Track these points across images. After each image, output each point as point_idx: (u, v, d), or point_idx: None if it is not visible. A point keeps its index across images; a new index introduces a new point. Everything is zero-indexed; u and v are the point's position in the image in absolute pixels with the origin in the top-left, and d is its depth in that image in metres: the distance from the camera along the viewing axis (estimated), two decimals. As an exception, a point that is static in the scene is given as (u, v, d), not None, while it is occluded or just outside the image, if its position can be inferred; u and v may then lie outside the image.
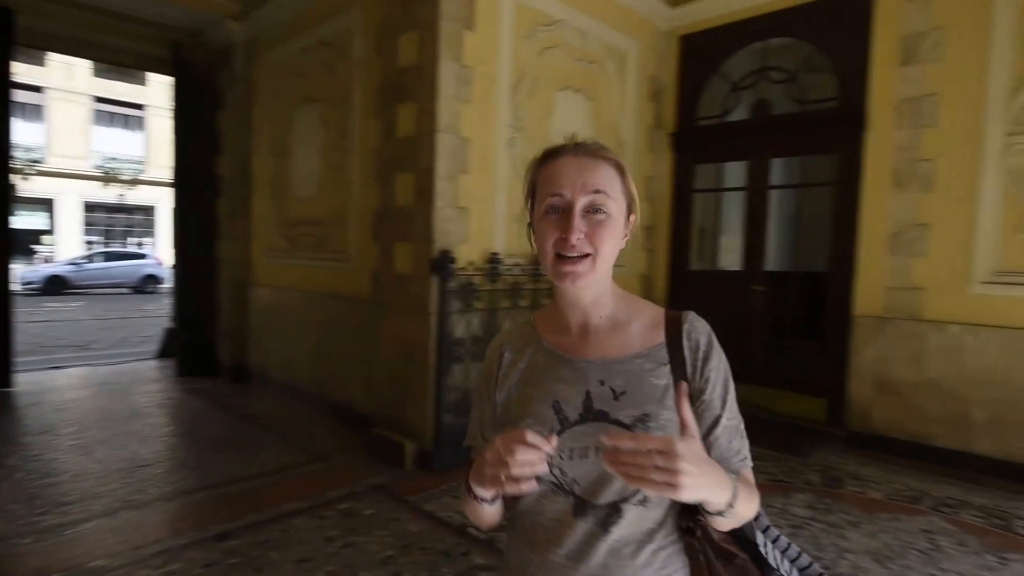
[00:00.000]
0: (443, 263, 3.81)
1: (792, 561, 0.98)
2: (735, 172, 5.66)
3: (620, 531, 0.90)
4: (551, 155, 0.96)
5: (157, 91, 20.96)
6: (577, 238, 0.89)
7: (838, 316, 4.72)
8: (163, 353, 7.17)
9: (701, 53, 5.50)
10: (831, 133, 4.79)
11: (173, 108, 6.39)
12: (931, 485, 3.86)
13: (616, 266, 0.97)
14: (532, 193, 0.98)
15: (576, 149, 0.94)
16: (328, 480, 3.69)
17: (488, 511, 0.95)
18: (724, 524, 0.87)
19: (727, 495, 0.82)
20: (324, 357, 5.10)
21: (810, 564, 0.99)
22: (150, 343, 8.16)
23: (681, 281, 5.72)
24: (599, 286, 0.96)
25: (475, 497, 0.91)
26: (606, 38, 5.04)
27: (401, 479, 3.73)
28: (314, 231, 5.26)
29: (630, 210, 0.97)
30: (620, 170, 0.95)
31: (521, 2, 4.30)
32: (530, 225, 0.98)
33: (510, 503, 0.99)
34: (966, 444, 4.13)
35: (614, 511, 0.90)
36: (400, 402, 4.06)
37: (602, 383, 0.93)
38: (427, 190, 3.87)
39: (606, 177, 0.93)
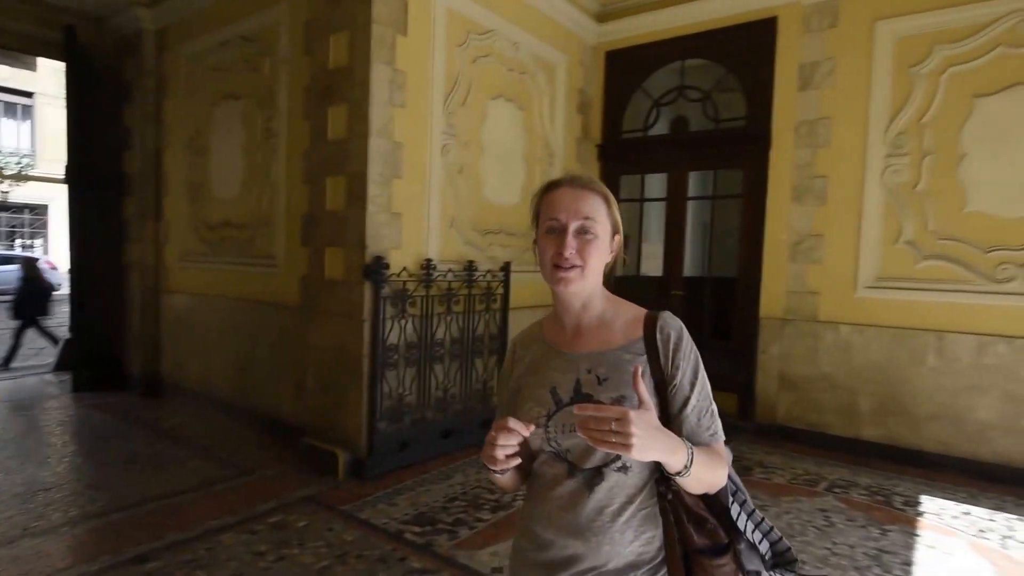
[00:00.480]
0: (376, 269, 3.81)
1: (765, 534, 1.16)
2: (656, 183, 5.99)
3: (602, 492, 1.08)
4: (552, 186, 1.18)
5: (49, 78, 18.76)
6: (570, 253, 1.11)
7: (746, 318, 5.12)
8: (61, 366, 6.60)
9: (625, 69, 5.78)
10: (740, 149, 5.19)
11: (68, 97, 5.88)
12: (826, 469, 4.28)
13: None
14: (537, 216, 1.19)
15: (572, 182, 1.16)
16: (256, 494, 3.58)
17: (501, 480, 1.16)
18: (689, 485, 1.04)
19: (682, 459, 0.99)
20: (249, 366, 4.92)
21: (780, 539, 1.18)
22: (46, 355, 7.50)
23: (607, 287, 5.93)
24: (588, 292, 1.17)
25: (490, 470, 1.09)
26: (537, 50, 5.19)
27: (334, 489, 3.69)
28: (236, 234, 5.06)
29: (614, 231, 1.18)
30: (606, 200, 1.16)
31: (454, 10, 4.36)
32: (535, 241, 1.19)
33: (524, 473, 1.20)
34: (855, 431, 4.61)
35: (597, 474, 1.09)
36: (332, 410, 4.01)
37: (589, 371, 1.13)
38: (359, 194, 3.84)
39: (594, 205, 1.14)
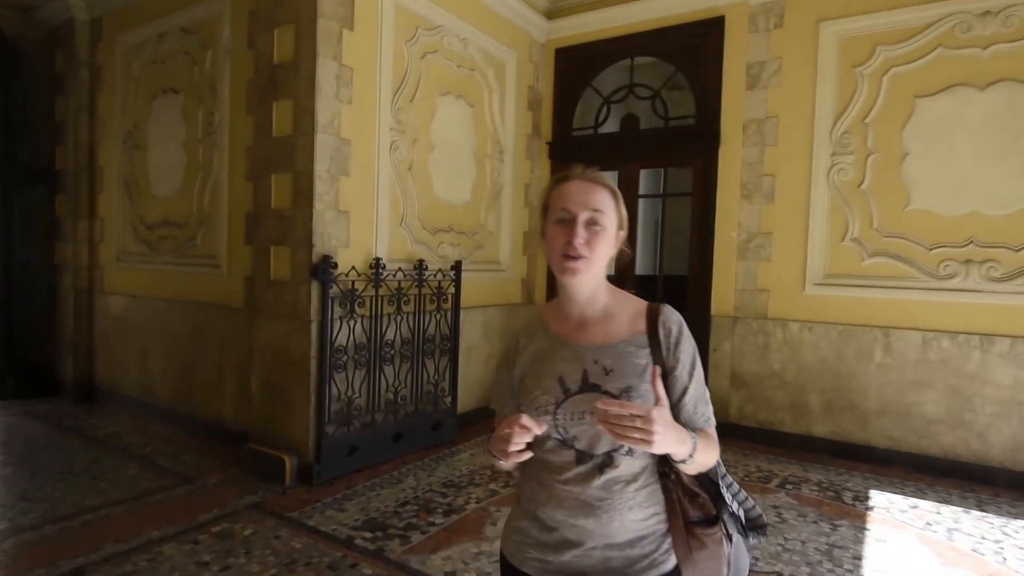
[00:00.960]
0: (324, 268, 3.68)
1: (741, 503, 1.27)
2: (608, 181, 5.99)
3: (611, 474, 1.15)
4: (563, 179, 1.22)
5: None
6: (579, 243, 1.16)
7: (698, 316, 5.15)
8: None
9: (575, 66, 5.77)
10: (690, 148, 5.23)
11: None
12: (778, 466, 4.33)
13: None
14: (545, 207, 1.23)
15: (582, 175, 1.21)
16: (199, 502, 3.42)
17: (505, 467, 1.23)
18: (689, 469, 1.15)
19: (688, 449, 1.09)
20: (190, 370, 4.71)
21: (753, 506, 1.29)
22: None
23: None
24: (593, 283, 1.22)
25: (496, 459, 1.17)
26: (486, 46, 5.13)
27: (281, 496, 3.55)
28: (177, 233, 4.84)
29: (619, 226, 1.23)
30: (614, 195, 1.22)
31: (402, 5, 4.26)
32: (541, 233, 1.25)
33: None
34: (805, 428, 4.68)
35: (608, 459, 1.16)
36: (278, 415, 3.86)
37: (595, 362, 1.18)
38: (306, 192, 3.71)
39: (603, 199, 1.19)
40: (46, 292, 5.77)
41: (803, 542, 3.15)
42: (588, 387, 1.16)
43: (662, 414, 1.02)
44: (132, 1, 5.08)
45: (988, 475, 4.06)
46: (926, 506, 3.69)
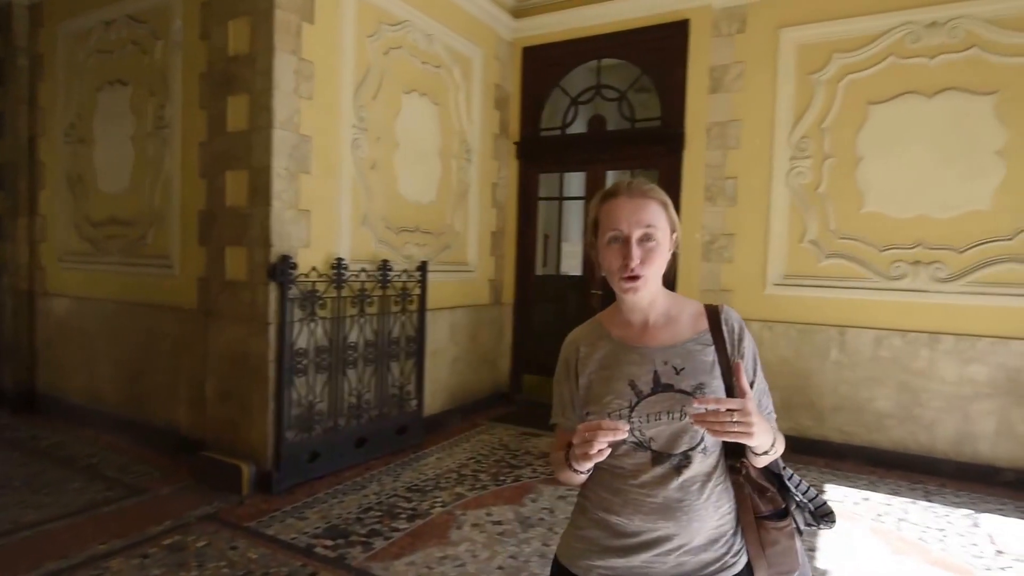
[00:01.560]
0: (282, 269, 3.57)
1: (803, 493, 1.26)
2: (576, 181, 5.99)
3: (688, 473, 1.15)
4: (609, 195, 1.22)
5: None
6: (635, 263, 1.16)
7: (663, 315, 5.20)
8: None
9: (543, 66, 5.75)
10: (655, 149, 5.28)
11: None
12: (739, 462, 4.41)
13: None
14: (595, 225, 1.24)
15: (629, 190, 1.21)
16: (149, 514, 3.26)
17: (581, 477, 1.20)
18: (762, 462, 1.16)
19: (771, 439, 1.11)
20: (141, 376, 4.50)
21: (816, 495, 1.27)
22: None
23: (528, 286, 5.94)
24: (652, 293, 1.22)
25: (575, 471, 1.16)
26: (451, 43, 5.06)
27: (238, 505, 3.42)
28: (125, 232, 4.61)
29: (672, 230, 1.23)
30: (664, 206, 1.22)
31: (365, -1, 4.17)
32: (595, 248, 1.25)
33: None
34: (765, 424, 4.77)
35: (685, 458, 1.16)
36: (235, 421, 3.72)
37: (665, 363, 1.19)
38: (263, 190, 3.59)
39: (654, 213, 1.19)
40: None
41: (764, 539, 3.21)
42: (661, 387, 1.17)
43: (753, 405, 1.03)
44: (76, -13, 4.83)
45: (934, 466, 4.23)
46: (877, 498, 3.81)
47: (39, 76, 5.23)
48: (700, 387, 1.16)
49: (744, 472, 1.19)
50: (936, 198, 4.25)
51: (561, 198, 6.00)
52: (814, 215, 4.61)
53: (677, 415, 1.15)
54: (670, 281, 1.27)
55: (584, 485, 1.27)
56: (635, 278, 1.17)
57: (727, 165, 4.90)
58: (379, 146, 4.39)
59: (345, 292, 3.98)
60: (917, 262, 4.29)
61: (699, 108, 5.00)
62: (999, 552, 3.12)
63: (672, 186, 5.12)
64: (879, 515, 3.55)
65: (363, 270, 4.11)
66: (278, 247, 3.59)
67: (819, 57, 4.56)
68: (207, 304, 3.90)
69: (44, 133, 5.23)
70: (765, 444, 1.09)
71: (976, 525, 3.44)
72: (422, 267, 4.60)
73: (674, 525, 1.15)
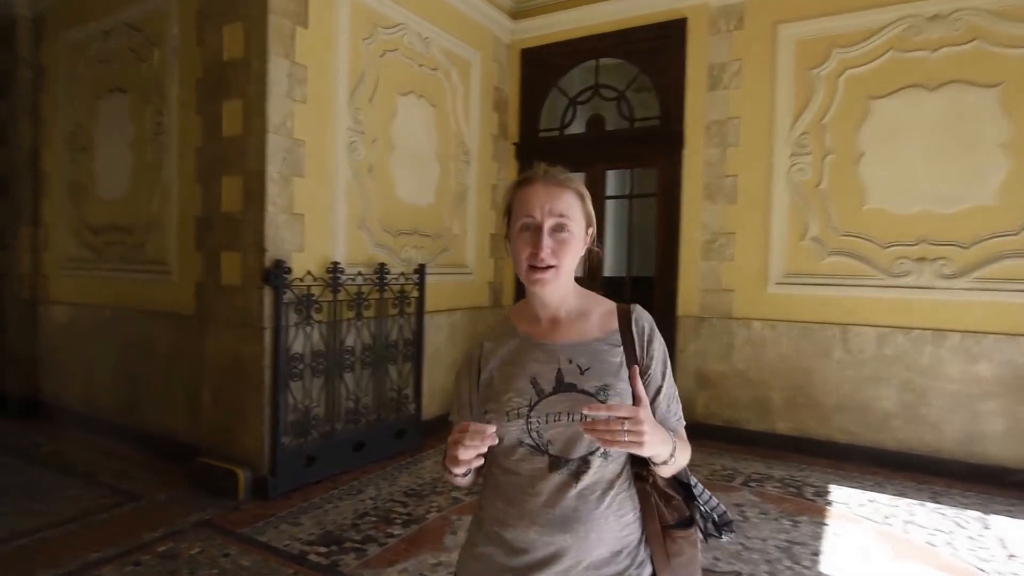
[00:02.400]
0: (277, 273, 3.56)
1: (705, 502, 1.23)
2: (574, 182, 5.95)
3: (587, 479, 1.10)
4: (524, 182, 1.16)
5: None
6: (546, 253, 1.10)
7: (665, 316, 5.15)
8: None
9: (541, 67, 5.73)
10: (654, 148, 5.23)
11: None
12: (742, 464, 4.35)
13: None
14: (508, 212, 1.18)
15: (546, 178, 1.15)
16: (144, 521, 3.25)
17: (462, 480, 1.14)
18: (666, 471, 1.11)
19: (669, 449, 1.05)
20: (138, 382, 4.51)
21: (718, 504, 1.24)
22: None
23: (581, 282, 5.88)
24: (563, 288, 1.17)
25: (451, 474, 1.08)
26: (448, 46, 5.05)
27: (232, 511, 3.40)
28: (124, 238, 4.64)
29: (588, 224, 1.19)
30: (580, 196, 1.16)
31: (358, 2, 4.16)
32: (506, 237, 1.19)
33: (481, 471, 1.18)
34: (769, 425, 4.71)
35: (584, 463, 1.10)
36: (230, 427, 3.71)
37: (570, 361, 1.14)
38: (257, 194, 3.58)
39: (569, 203, 1.14)
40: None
41: (763, 540, 3.15)
42: (563, 387, 1.12)
43: (647, 413, 0.99)
44: (75, -3, 4.87)
45: (941, 467, 4.14)
46: (883, 499, 3.73)
47: (41, 87, 5.28)
48: (604, 388, 1.11)
49: (651, 480, 1.14)
50: (940, 193, 4.17)
51: (561, 199, 5.94)
52: (815, 212, 4.55)
53: (577, 417, 1.08)
54: (585, 280, 1.24)
55: (482, 495, 1.22)
56: (544, 269, 1.11)
57: (727, 163, 4.85)
58: (375, 149, 4.39)
59: (341, 296, 3.97)
60: (921, 259, 4.22)
61: (698, 106, 4.95)
62: (1011, 556, 3.04)
63: (672, 185, 5.09)
64: (885, 517, 3.48)
65: (360, 273, 4.10)
66: (272, 252, 3.59)
67: (818, 52, 4.50)
68: (203, 310, 3.90)
69: (46, 143, 5.27)
70: (662, 454, 1.04)
71: (986, 527, 3.36)
72: (420, 270, 4.58)
73: (571, 537, 1.08)
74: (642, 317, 1.20)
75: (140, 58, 4.48)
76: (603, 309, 1.22)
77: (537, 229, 1.12)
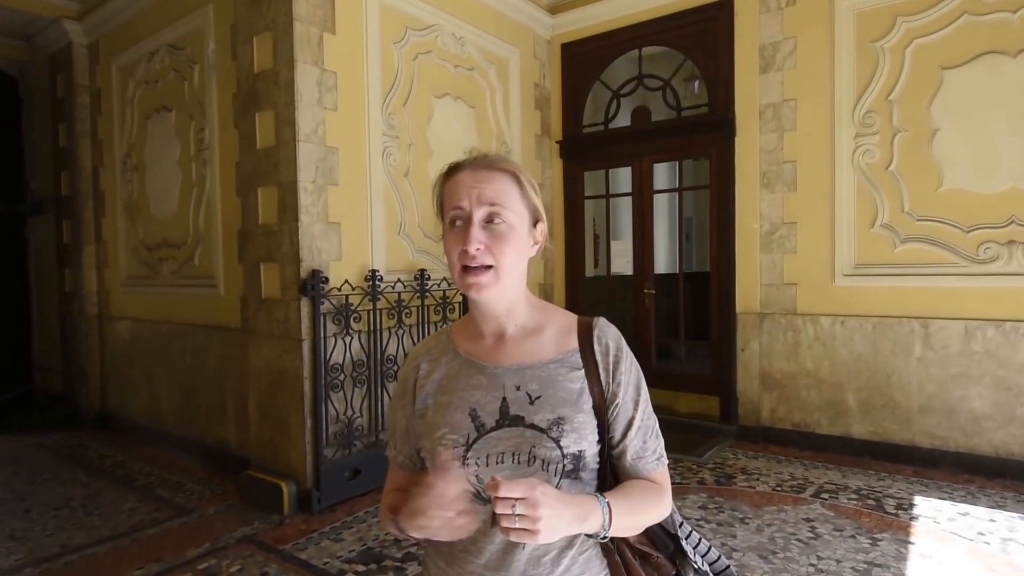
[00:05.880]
0: (313, 284, 3.52)
1: (703, 556, 1.03)
2: (623, 178, 5.73)
3: None
4: (453, 170, 0.97)
5: None
6: (476, 248, 0.90)
7: (723, 314, 4.85)
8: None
9: (582, 61, 5.54)
10: (704, 138, 4.94)
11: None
12: (814, 472, 4.01)
13: None
14: (441, 207, 0.99)
15: (474, 163, 0.96)
16: (191, 536, 3.26)
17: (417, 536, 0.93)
18: (620, 534, 0.90)
19: (596, 523, 0.84)
20: (194, 395, 4.59)
21: (719, 558, 1.05)
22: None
23: (578, 288, 5.71)
24: (510, 296, 0.97)
25: (401, 531, 0.88)
26: (485, 45, 4.93)
27: (276, 526, 3.37)
28: (175, 254, 4.75)
29: (535, 219, 0.98)
30: (518, 181, 0.96)
31: (388, 5, 4.09)
32: (443, 238, 1.00)
33: None
34: (843, 429, 4.34)
35: None
36: (275, 439, 3.70)
37: (518, 388, 0.94)
38: (291, 205, 3.56)
39: (502, 189, 0.94)
40: (59, 320, 5.75)
41: (838, 561, 2.84)
42: (508, 420, 0.92)
43: (546, 491, 0.78)
44: (124, 22, 5.03)
45: (1049, 477, 3.68)
46: (977, 513, 3.34)
47: (98, 110, 5.50)
48: (559, 423, 0.91)
49: (607, 539, 0.91)
50: (1032, 168, 3.72)
51: (608, 195, 5.73)
52: (886, 196, 4.15)
53: (525, 458, 0.89)
54: (552, 296, 1.03)
55: (425, 550, 1.02)
56: (479, 270, 0.91)
57: (784, 149, 4.51)
58: (412, 153, 4.31)
59: (381, 304, 3.90)
60: (1011, 242, 3.77)
61: (749, 91, 4.63)
62: None
63: (725, 175, 4.78)
64: (980, 534, 3.09)
65: (399, 280, 4.02)
66: (308, 262, 3.55)
67: (881, 23, 4.11)
68: (246, 322, 3.92)
69: (105, 164, 5.49)
70: (589, 529, 0.84)
71: (1103, 546, 2.93)
72: (461, 275, 4.47)
73: None
74: (606, 334, 1.00)
75: (182, 77, 4.57)
76: (560, 324, 1.02)
77: (467, 221, 0.93)
